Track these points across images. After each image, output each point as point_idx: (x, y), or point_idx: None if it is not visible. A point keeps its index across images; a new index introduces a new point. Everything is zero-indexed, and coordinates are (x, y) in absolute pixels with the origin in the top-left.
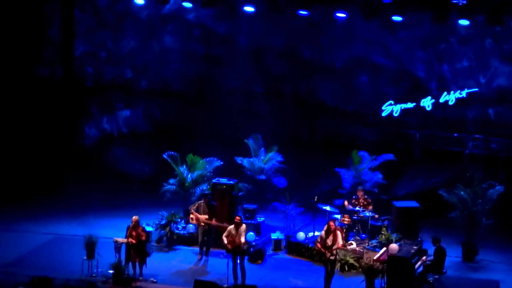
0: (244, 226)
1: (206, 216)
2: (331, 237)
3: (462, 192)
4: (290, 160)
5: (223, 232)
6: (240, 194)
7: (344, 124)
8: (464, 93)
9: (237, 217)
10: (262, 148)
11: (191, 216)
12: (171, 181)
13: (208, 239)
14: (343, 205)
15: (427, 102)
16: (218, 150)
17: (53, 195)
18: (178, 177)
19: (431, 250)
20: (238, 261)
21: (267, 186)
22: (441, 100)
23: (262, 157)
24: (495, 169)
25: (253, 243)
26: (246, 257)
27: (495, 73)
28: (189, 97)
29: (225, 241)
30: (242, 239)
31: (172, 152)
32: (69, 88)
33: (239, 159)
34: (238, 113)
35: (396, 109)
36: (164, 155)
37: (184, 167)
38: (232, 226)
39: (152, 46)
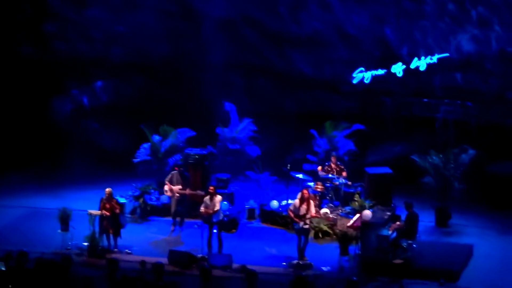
0: (219, 196)
1: (180, 186)
2: (304, 206)
3: (434, 157)
4: (263, 130)
5: (197, 202)
6: (214, 163)
7: (317, 92)
8: (435, 59)
9: (211, 187)
10: (236, 118)
11: (165, 188)
12: (144, 146)
13: (182, 210)
14: (317, 171)
15: (398, 68)
16: (192, 122)
17: (26, 169)
18: (151, 146)
19: (404, 216)
20: (215, 231)
21: (240, 155)
22: (412, 66)
23: (236, 127)
24: (467, 135)
25: (227, 213)
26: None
27: (464, 38)
28: (163, 70)
29: (202, 210)
30: (216, 208)
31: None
32: (40, 64)
33: (216, 129)
34: (212, 86)
35: (367, 76)
36: (141, 125)
37: (158, 137)
38: (207, 197)
39: (126, 19)
